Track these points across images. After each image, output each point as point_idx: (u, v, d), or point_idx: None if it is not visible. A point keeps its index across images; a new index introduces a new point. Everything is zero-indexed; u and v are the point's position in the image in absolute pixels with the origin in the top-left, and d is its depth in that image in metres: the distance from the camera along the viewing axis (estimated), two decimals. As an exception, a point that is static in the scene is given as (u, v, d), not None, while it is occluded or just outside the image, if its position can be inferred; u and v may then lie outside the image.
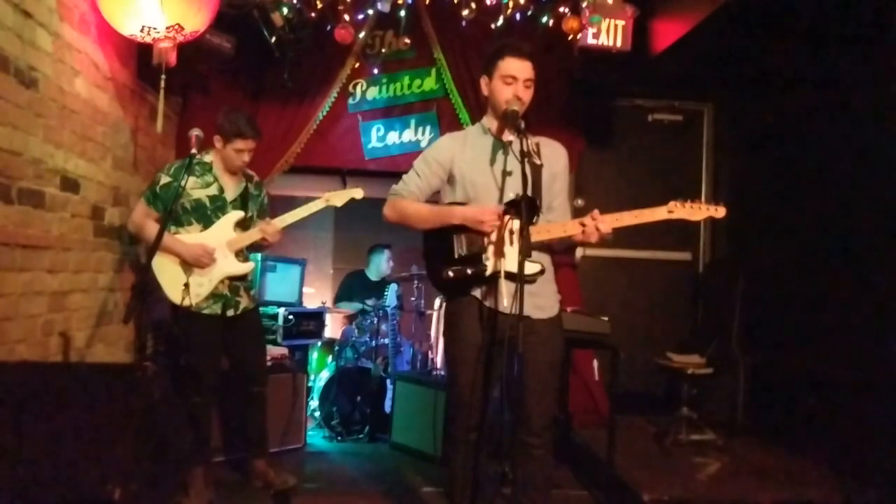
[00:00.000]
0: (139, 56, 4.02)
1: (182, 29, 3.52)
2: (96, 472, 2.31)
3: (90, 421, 2.39)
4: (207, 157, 3.62)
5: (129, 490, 2.29)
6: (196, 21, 3.57)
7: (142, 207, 3.60)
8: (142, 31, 3.47)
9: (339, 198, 3.72)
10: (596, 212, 2.67)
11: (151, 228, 3.47)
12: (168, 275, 3.52)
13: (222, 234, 3.58)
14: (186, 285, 3.46)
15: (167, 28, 3.47)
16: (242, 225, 3.66)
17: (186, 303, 3.45)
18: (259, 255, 4.74)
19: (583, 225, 2.64)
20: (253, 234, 3.62)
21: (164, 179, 3.55)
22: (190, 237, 3.54)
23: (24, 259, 2.94)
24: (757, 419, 4.67)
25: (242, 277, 3.68)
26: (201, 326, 3.55)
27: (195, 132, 3.32)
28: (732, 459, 4.05)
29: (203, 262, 3.51)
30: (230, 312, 3.62)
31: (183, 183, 3.18)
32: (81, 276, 3.49)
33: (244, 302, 3.69)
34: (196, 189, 3.55)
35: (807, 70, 4.52)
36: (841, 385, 3.98)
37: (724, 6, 3.87)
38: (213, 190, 3.59)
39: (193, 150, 3.14)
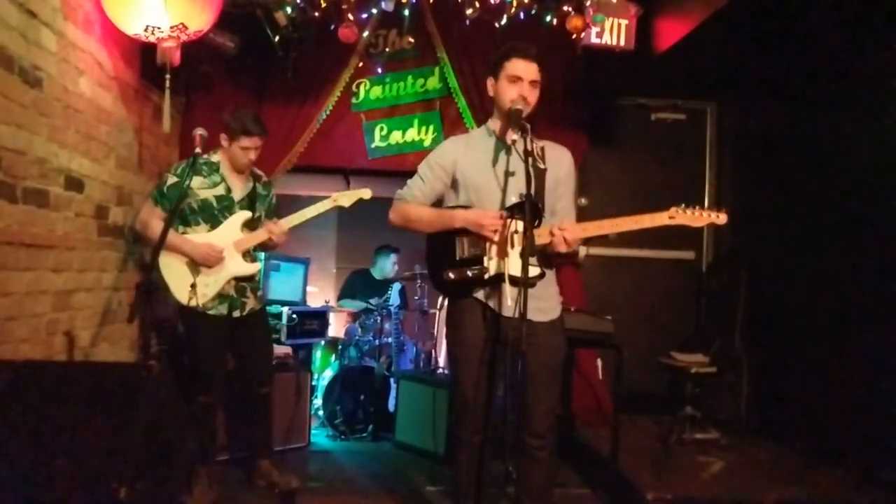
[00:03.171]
0: (143, 55, 4.01)
1: (186, 28, 3.52)
2: (101, 472, 2.32)
3: (94, 420, 2.39)
4: (215, 157, 3.63)
5: (134, 489, 2.30)
6: (200, 20, 3.57)
7: (149, 207, 3.61)
8: (146, 30, 3.47)
9: (346, 198, 3.71)
10: (564, 221, 2.71)
11: (157, 227, 3.48)
12: (175, 275, 3.53)
13: (229, 234, 3.59)
14: (193, 285, 3.47)
15: (171, 27, 3.47)
16: (250, 225, 3.66)
17: (193, 303, 3.46)
18: (263, 255, 4.75)
19: (551, 235, 2.65)
20: (260, 235, 3.62)
21: (172, 179, 3.57)
22: (197, 237, 3.55)
23: (29, 258, 2.95)
24: (760, 418, 4.66)
25: (249, 278, 3.68)
26: (207, 327, 3.56)
27: (199, 131, 3.34)
28: (736, 458, 4.05)
29: (212, 262, 3.51)
30: (236, 313, 3.63)
31: (188, 182, 3.21)
32: (86, 275, 3.49)
33: (250, 303, 3.70)
34: (203, 189, 3.57)
35: (810, 69, 4.51)
36: (845, 384, 3.98)
37: (728, 5, 3.86)
38: (220, 190, 3.61)
39: (197, 150, 3.17)
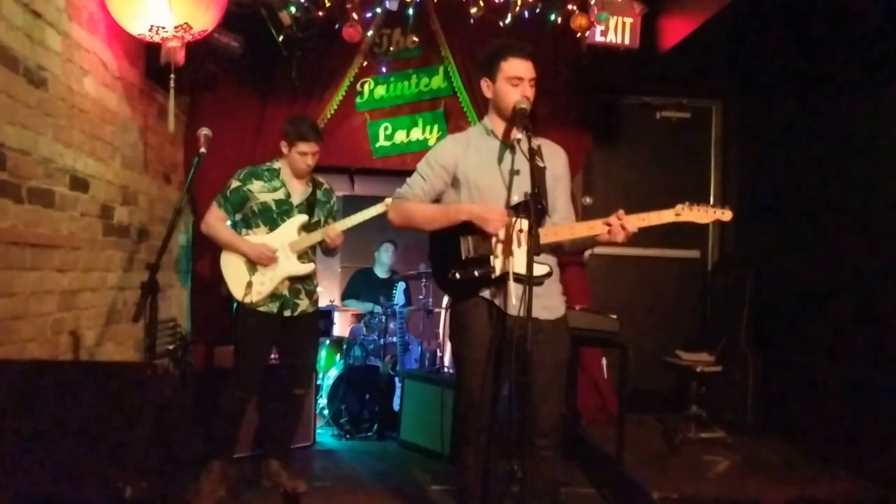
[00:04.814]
0: (147, 55, 4.03)
1: (190, 28, 3.52)
2: (107, 471, 2.32)
3: (101, 419, 2.39)
4: (277, 164, 3.75)
5: (141, 488, 2.30)
6: (204, 20, 3.58)
7: (214, 210, 3.73)
8: (150, 30, 3.47)
9: None
10: (621, 211, 2.65)
11: (224, 230, 3.70)
12: (233, 272, 3.66)
13: (286, 236, 3.68)
14: (249, 283, 3.61)
15: (175, 27, 3.48)
16: (307, 228, 3.73)
17: (248, 300, 3.60)
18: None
19: (608, 224, 2.63)
20: (314, 237, 3.71)
21: (234, 184, 3.69)
22: (257, 238, 3.66)
23: (34, 258, 2.96)
24: (766, 417, 4.65)
25: (305, 279, 3.75)
26: (254, 323, 3.65)
27: (203, 131, 3.40)
28: (741, 457, 4.04)
29: (264, 261, 3.62)
30: (287, 313, 3.70)
31: (192, 175, 3.26)
32: (91, 274, 3.50)
33: (303, 305, 3.75)
34: (263, 193, 3.68)
35: (815, 67, 4.50)
36: (850, 382, 3.97)
37: (732, 4, 3.85)
38: (279, 194, 3.69)
39: (202, 150, 3.22)
